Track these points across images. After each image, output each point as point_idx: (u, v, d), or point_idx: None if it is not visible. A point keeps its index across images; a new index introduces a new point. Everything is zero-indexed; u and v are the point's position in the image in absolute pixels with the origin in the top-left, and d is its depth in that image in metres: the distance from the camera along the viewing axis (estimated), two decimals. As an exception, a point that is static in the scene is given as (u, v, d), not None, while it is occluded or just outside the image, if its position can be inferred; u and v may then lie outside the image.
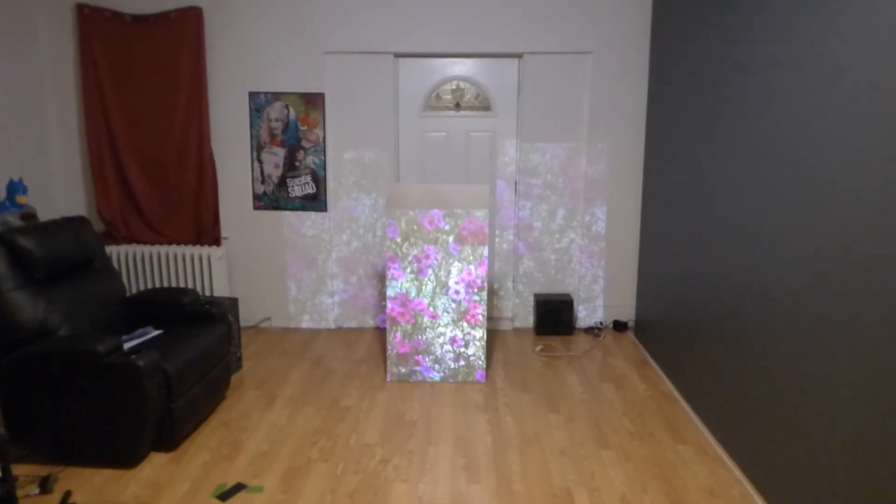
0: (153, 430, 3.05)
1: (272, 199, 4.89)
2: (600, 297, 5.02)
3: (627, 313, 5.03)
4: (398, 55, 4.74)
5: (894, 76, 1.90)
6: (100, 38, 4.56)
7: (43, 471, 2.97)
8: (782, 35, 2.60)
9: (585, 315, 5.04)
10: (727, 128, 3.14)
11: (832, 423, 2.21)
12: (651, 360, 4.37)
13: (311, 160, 4.82)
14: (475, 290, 3.98)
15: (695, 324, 3.55)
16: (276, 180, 4.86)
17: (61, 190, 4.82)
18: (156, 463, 3.06)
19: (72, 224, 3.54)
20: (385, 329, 5.05)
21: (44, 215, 4.46)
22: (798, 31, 2.48)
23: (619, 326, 5.00)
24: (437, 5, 4.61)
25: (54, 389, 2.93)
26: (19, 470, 2.98)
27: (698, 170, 3.53)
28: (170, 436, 3.12)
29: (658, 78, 4.39)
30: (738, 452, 2.97)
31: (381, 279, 5.02)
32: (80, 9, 4.51)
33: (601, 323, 5.07)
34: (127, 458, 3.00)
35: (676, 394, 3.82)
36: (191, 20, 4.54)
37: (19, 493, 2.80)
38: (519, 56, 4.74)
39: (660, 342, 4.23)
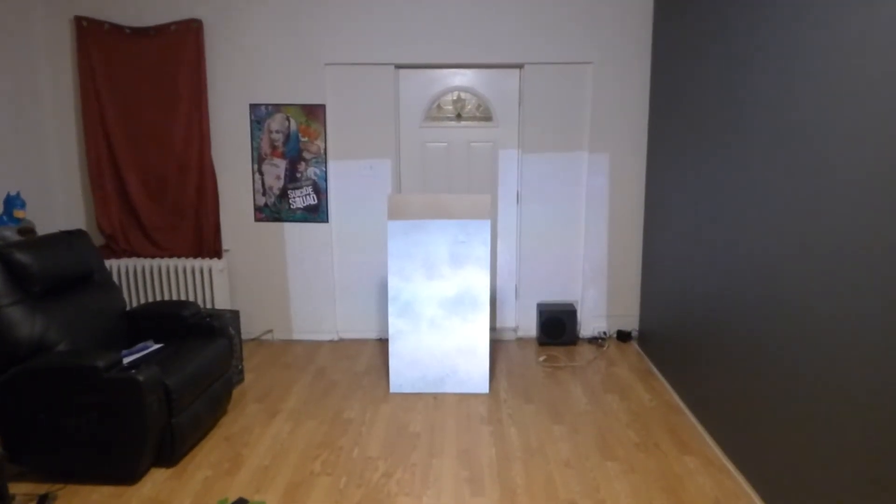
0: (154, 446, 3.02)
1: (273, 210, 4.88)
2: (604, 306, 5.00)
3: (631, 323, 5.00)
4: (399, 66, 4.74)
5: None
6: (99, 51, 4.56)
7: (41, 489, 2.93)
8: (786, 45, 2.59)
9: (589, 324, 5.02)
10: (729, 137, 3.13)
11: (840, 433, 2.18)
12: (655, 371, 4.33)
13: (312, 171, 4.81)
14: (477, 300, 3.95)
15: (699, 333, 3.52)
16: (277, 192, 4.84)
17: (60, 204, 4.82)
18: (156, 479, 3.03)
19: (70, 238, 3.53)
20: (387, 340, 5.02)
21: (43, 229, 4.45)
22: (802, 41, 2.47)
23: (623, 336, 4.97)
24: (438, 16, 4.61)
25: (53, 406, 2.90)
26: (17, 488, 2.95)
27: (701, 179, 3.51)
28: (170, 451, 3.09)
29: (659, 88, 4.38)
30: (744, 463, 2.93)
31: (383, 290, 4.99)
32: (79, 22, 4.52)
33: (605, 333, 5.04)
34: (127, 474, 2.96)
35: (681, 404, 3.78)
36: (191, 33, 4.54)
37: (18, 510, 2.77)
38: (520, 66, 4.74)
39: (664, 352, 4.19)
